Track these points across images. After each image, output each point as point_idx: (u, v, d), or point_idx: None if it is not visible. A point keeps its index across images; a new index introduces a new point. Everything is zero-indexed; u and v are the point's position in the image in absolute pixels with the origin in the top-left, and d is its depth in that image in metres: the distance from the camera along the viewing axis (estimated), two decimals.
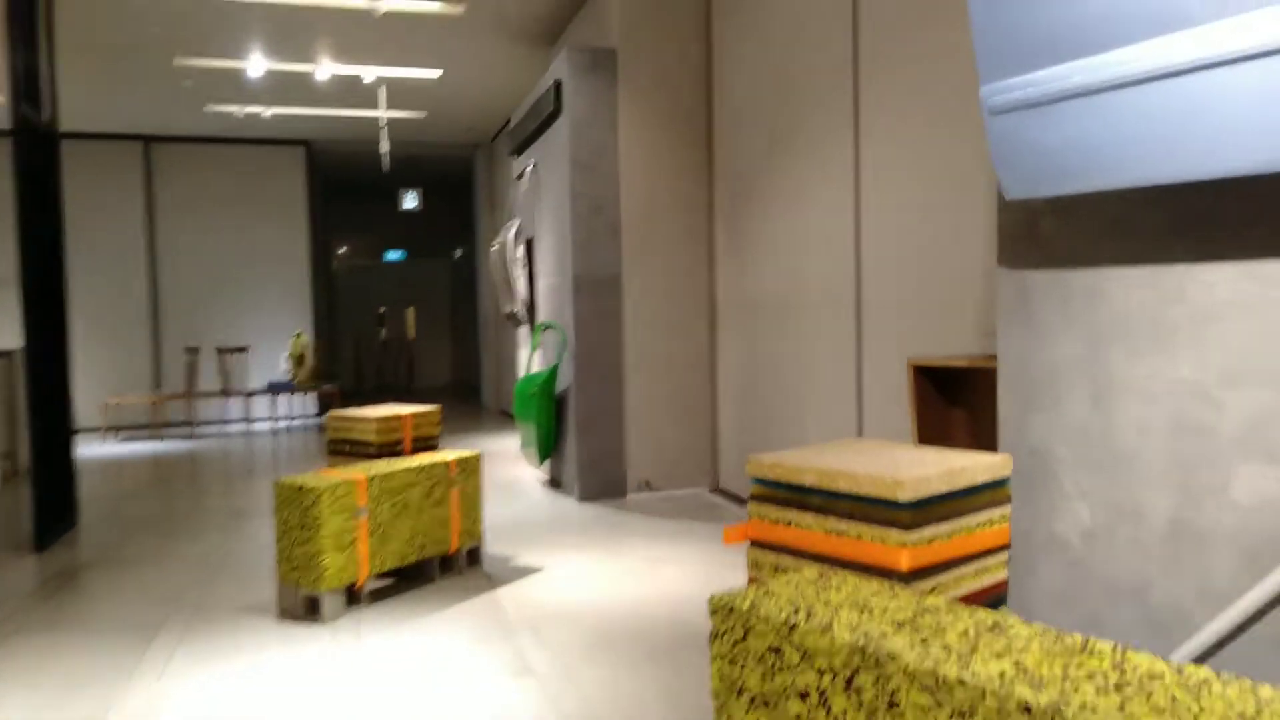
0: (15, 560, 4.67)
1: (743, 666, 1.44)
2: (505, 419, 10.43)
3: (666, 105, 5.80)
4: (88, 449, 8.78)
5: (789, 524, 1.90)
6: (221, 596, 3.95)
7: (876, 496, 1.72)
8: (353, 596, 3.71)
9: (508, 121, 9.79)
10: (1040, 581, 2.00)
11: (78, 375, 10.42)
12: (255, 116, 9.43)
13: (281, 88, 8.37)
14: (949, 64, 3.43)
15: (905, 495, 1.68)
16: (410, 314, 16.00)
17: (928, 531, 1.72)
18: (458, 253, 15.58)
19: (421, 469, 3.96)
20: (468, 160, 12.47)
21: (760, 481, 2.02)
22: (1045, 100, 1.58)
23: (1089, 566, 1.91)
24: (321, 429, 9.86)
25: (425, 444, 4.38)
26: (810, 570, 1.63)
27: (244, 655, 3.26)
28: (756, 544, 2.02)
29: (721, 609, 1.50)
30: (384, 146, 7.93)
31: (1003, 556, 1.93)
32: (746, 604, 1.46)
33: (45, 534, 4.88)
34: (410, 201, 11.91)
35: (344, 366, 15.38)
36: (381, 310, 15.80)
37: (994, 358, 2.62)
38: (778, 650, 1.39)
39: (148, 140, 10.44)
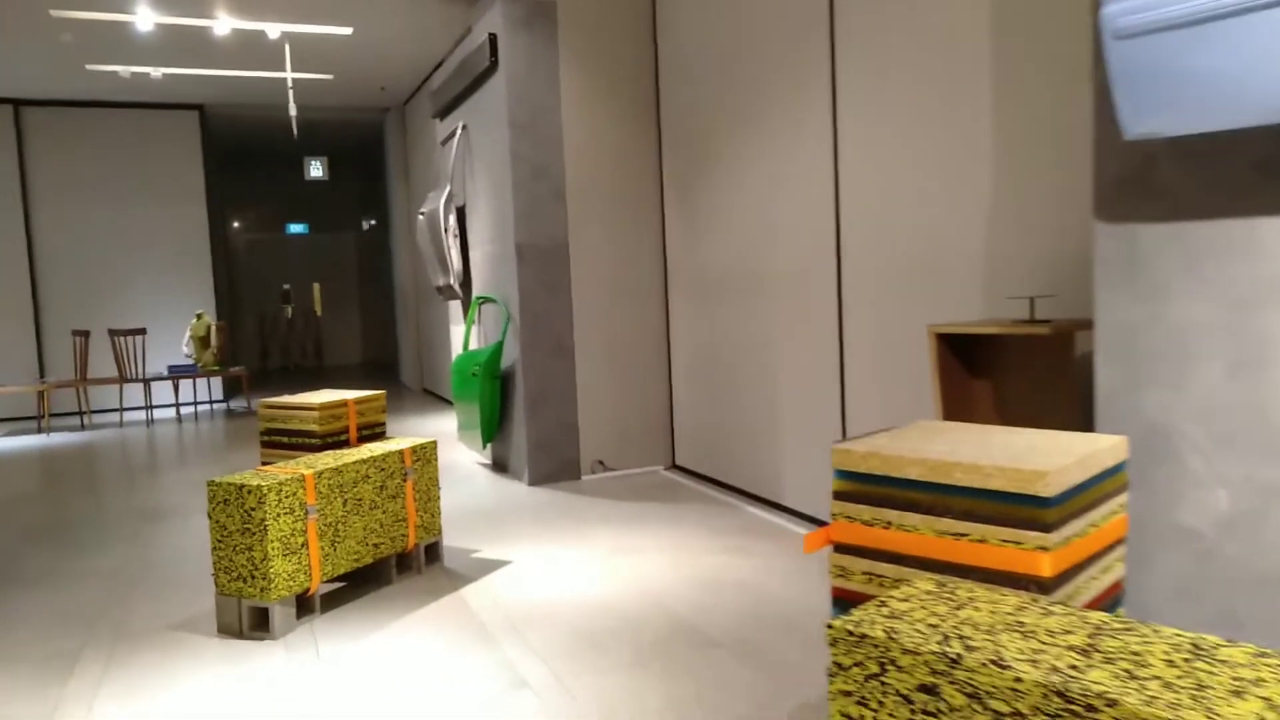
0: None
1: (878, 708, 1.19)
2: (430, 399, 9.97)
3: (610, 63, 5.46)
4: None
5: (887, 525, 1.65)
6: (146, 615, 3.50)
7: (1010, 491, 1.47)
8: (304, 605, 3.32)
9: (425, 82, 9.23)
10: (1158, 576, 1.82)
11: None
12: (143, 77, 8.61)
13: (173, 46, 7.64)
14: (942, 5, 3.22)
15: (1048, 488, 1.44)
16: (317, 290, 15.20)
17: (1067, 529, 1.50)
18: (366, 224, 14.85)
19: (373, 460, 3.58)
20: (377, 125, 11.80)
21: (847, 475, 1.75)
22: (1189, 20, 1.36)
23: (1225, 557, 1.73)
24: (229, 413, 9.20)
25: (371, 432, 3.98)
26: (924, 581, 1.39)
27: (185, 680, 2.85)
28: (843, 549, 1.76)
29: (847, 638, 1.23)
30: (292, 110, 7.33)
31: (1122, 551, 1.74)
32: (880, 631, 1.21)
33: None
34: (316, 170, 11.20)
35: (248, 347, 14.52)
36: (286, 287, 14.96)
37: (1024, 323, 2.44)
38: (932, 690, 1.14)
39: (18, 104, 9.45)
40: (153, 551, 4.36)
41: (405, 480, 3.73)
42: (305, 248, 15.15)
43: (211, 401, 10.35)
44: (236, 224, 14.55)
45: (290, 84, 7.80)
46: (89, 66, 8.10)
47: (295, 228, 15.10)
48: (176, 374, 8.92)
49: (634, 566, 3.79)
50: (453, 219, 6.21)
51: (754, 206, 4.56)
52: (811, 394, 4.19)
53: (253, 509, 3.13)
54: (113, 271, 9.93)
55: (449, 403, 9.37)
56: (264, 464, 3.93)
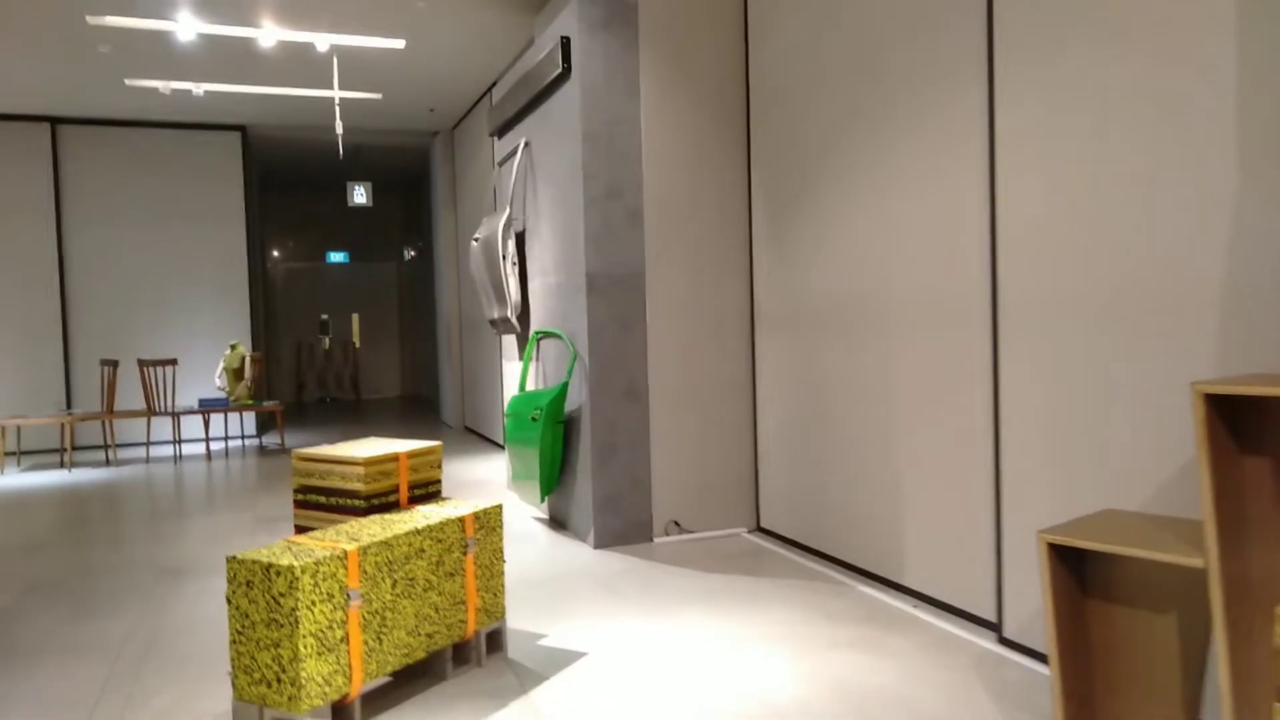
0: None
1: None
2: (473, 439, 9.35)
3: (695, 68, 4.85)
4: None
5: None
6: (150, 710, 2.85)
7: None
8: (341, 715, 2.66)
9: (475, 105, 8.74)
10: None
11: None
12: (184, 95, 8.20)
13: (215, 59, 7.19)
14: None
15: None
16: (356, 321, 14.73)
17: None
18: (408, 253, 14.39)
19: (429, 530, 2.93)
20: (424, 151, 11.34)
21: None
22: None
23: None
24: (261, 450, 8.64)
25: (424, 491, 3.34)
26: None
27: None
28: None
29: None
30: (338, 128, 6.82)
31: None
32: None
33: None
34: (359, 197, 10.74)
35: (284, 379, 14.05)
36: (324, 317, 14.51)
37: None
38: None
39: (55, 122, 9.09)
40: (167, 618, 3.74)
41: (466, 554, 3.08)
42: (345, 277, 14.72)
43: (243, 437, 9.81)
44: (276, 252, 14.17)
45: (337, 101, 7.31)
46: (128, 81, 7.68)
47: (335, 256, 14.69)
48: (207, 408, 8.39)
49: (746, 663, 3.09)
50: (511, 245, 5.61)
51: (870, 227, 3.90)
52: (948, 455, 3.49)
53: (282, 595, 2.48)
54: (145, 299, 9.48)
55: (494, 444, 8.74)
56: (297, 529, 3.30)
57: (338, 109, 7.21)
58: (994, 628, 3.31)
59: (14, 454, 8.83)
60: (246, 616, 2.55)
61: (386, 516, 3.05)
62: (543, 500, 5.10)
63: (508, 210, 5.62)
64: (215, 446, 9.21)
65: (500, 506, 3.24)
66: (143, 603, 4.01)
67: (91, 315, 9.30)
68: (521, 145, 5.64)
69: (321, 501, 3.22)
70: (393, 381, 15.00)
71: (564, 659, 3.19)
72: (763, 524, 4.96)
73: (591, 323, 4.69)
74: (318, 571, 2.53)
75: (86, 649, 3.44)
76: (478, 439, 9.26)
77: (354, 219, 14.51)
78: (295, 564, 2.47)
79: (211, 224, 9.68)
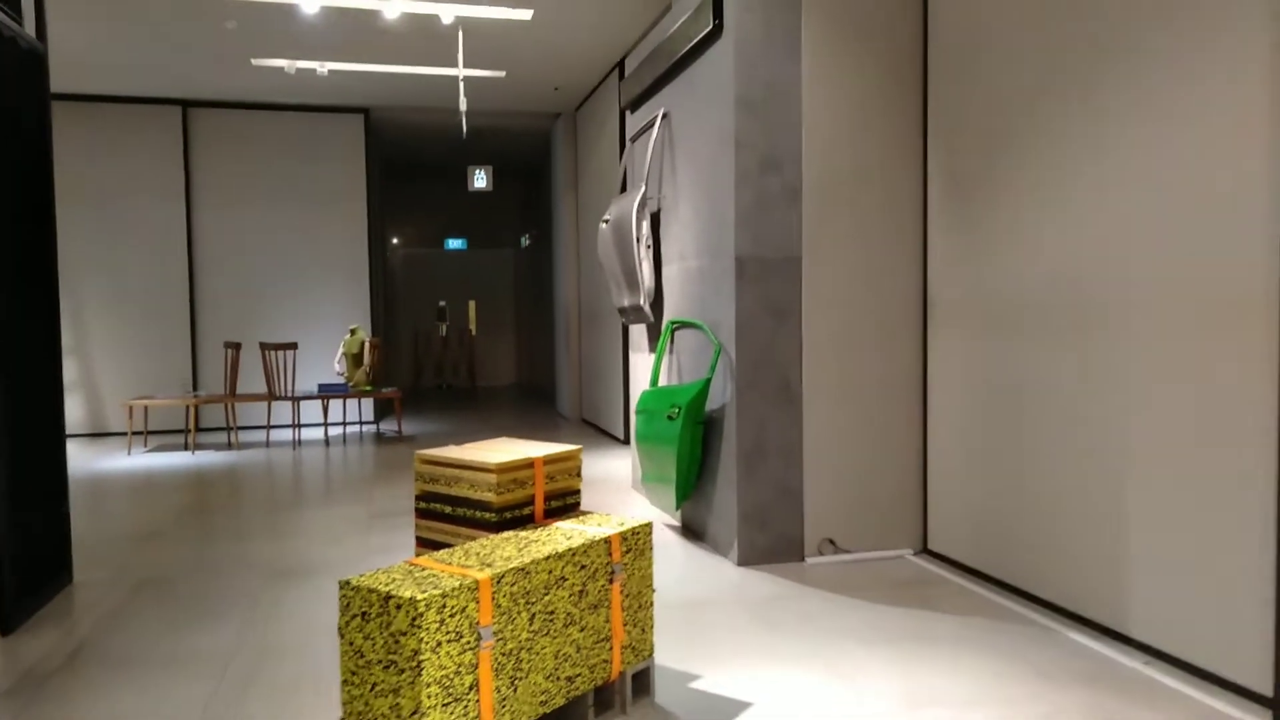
0: None
1: None
2: (591, 432, 8.95)
3: (867, 26, 4.24)
4: (107, 461, 7.46)
5: None
6: None
7: None
8: None
9: (602, 82, 8.29)
10: None
11: (101, 374, 9.20)
12: (309, 74, 8.04)
13: (339, 35, 6.96)
14: None
15: None
16: (472, 308, 14.61)
17: None
18: (525, 240, 14.15)
19: (572, 555, 2.46)
20: (544, 134, 11.01)
21: None
22: None
23: None
24: (379, 437, 8.46)
25: (562, 503, 2.88)
26: None
27: None
28: None
29: None
30: (462, 104, 6.48)
31: None
32: None
33: (16, 607, 3.48)
34: (480, 181, 10.48)
35: (402, 365, 14.04)
36: (441, 304, 14.43)
37: None
38: None
39: (186, 105, 9.12)
40: (276, 630, 3.40)
41: (612, 582, 2.59)
42: (462, 264, 14.61)
43: (361, 423, 9.70)
44: (394, 238, 14.15)
45: (461, 77, 6.97)
46: (255, 61, 7.56)
47: (453, 243, 14.59)
48: (327, 393, 8.25)
49: None
50: (646, 226, 5.12)
51: (1095, 203, 3.22)
52: (1205, 484, 2.80)
53: (402, 634, 2.05)
54: (268, 281, 9.45)
55: (613, 438, 8.31)
56: (419, 542, 2.89)
57: (462, 84, 6.87)
58: (1269, 704, 2.62)
59: (141, 434, 8.93)
60: (361, 655, 2.13)
61: (521, 534, 2.59)
62: (678, 507, 4.60)
63: (642, 188, 5.13)
64: (333, 432, 9.11)
65: (650, 526, 2.75)
66: (253, 608, 3.70)
67: (217, 297, 9.33)
68: (660, 117, 5.14)
69: (446, 512, 2.79)
70: (508, 370, 14.82)
71: (720, 711, 2.67)
72: (930, 546, 4.33)
73: (740, 312, 4.15)
74: (445, 606, 2.08)
75: (186, 661, 3.13)
76: (596, 432, 8.85)
77: (472, 205, 14.37)
78: (419, 597, 2.03)
79: (334, 208, 9.57)
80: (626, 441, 7.93)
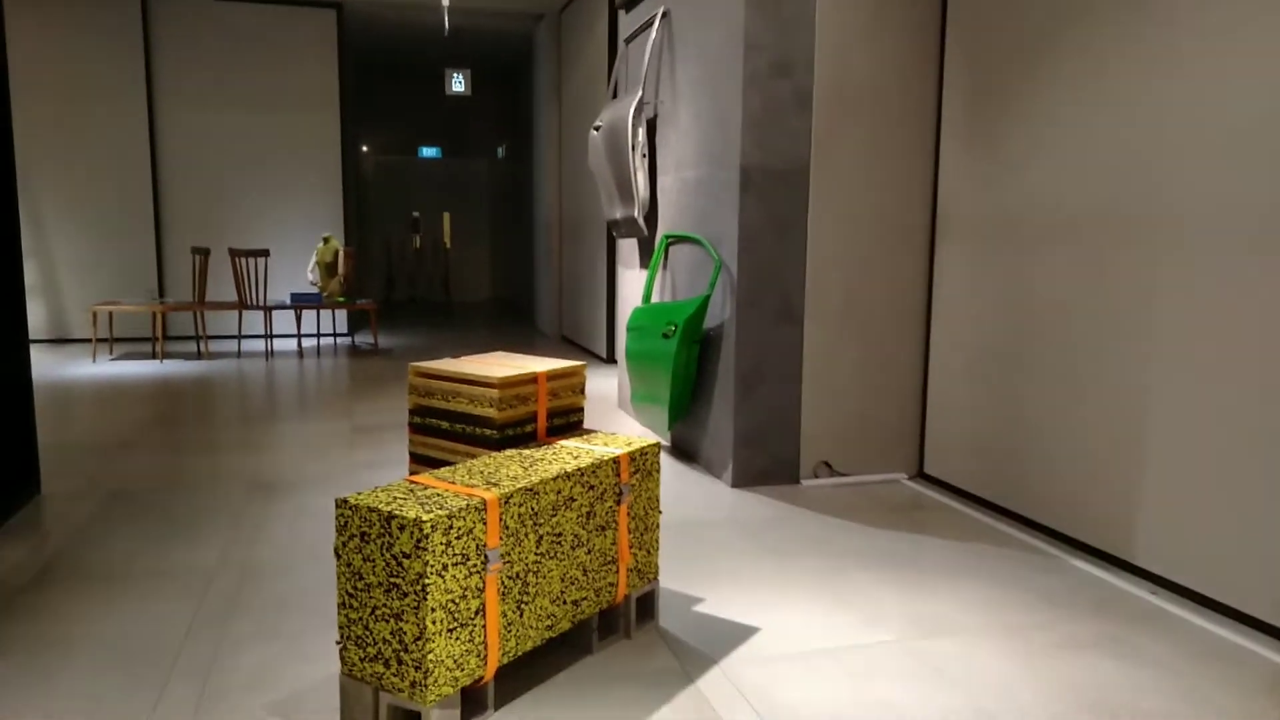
0: None
1: None
2: (572, 349, 8.80)
3: None
4: (72, 368, 7.20)
5: None
6: (241, 673, 2.36)
7: None
8: (472, 701, 2.11)
9: None
10: None
11: (63, 278, 8.85)
12: None
13: None
14: None
15: None
16: (447, 220, 14.23)
17: None
18: (500, 150, 13.71)
19: (580, 475, 2.33)
20: (524, 37, 10.53)
21: None
22: None
23: None
24: (354, 349, 8.25)
25: (565, 421, 2.74)
26: None
27: None
28: None
29: None
30: None
31: None
32: None
33: None
34: (458, 85, 10.04)
35: (374, 276, 13.71)
36: (415, 214, 14.03)
37: None
38: None
39: None
40: (261, 545, 3.27)
41: (620, 503, 2.47)
42: (436, 173, 14.16)
43: (335, 335, 9.46)
44: (365, 146, 13.64)
45: None
46: None
47: (427, 151, 14.11)
48: (300, 303, 7.98)
49: (960, 664, 2.45)
50: (642, 133, 4.88)
51: (1128, 119, 3.05)
52: (1236, 416, 2.72)
53: (406, 556, 1.91)
54: (237, 184, 9.06)
55: (595, 356, 8.17)
56: (413, 459, 2.74)
57: None
58: None
59: (106, 340, 8.63)
60: (360, 577, 2.00)
61: (525, 452, 2.46)
62: (670, 428, 4.49)
63: (639, 92, 4.87)
64: (307, 343, 8.87)
65: (658, 446, 2.62)
66: (234, 523, 3.56)
67: (183, 200, 8.93)
68: (659, 15, 4.84)
69: (444, 428, 2.64)
70: (483, 284, 14.54)
71: (726, 636, 2.60)
72: (926, 470, 4.27)
73: (743, 226, 3.97)
74: (451, 527, 1.95)
75: (168, 577, 2.99)
76: (577, 350, 8.70)
77: (447, 113, 13.85)
78: (424, 517, 1.89)
79: (305, 109, 9.13)
80: (610, 360, 7.79)
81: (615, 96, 5.58)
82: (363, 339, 9.32)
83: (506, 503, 2.10)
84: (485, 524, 2.04)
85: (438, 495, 2.06)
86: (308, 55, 9.08)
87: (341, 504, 2.01)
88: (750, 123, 3.91)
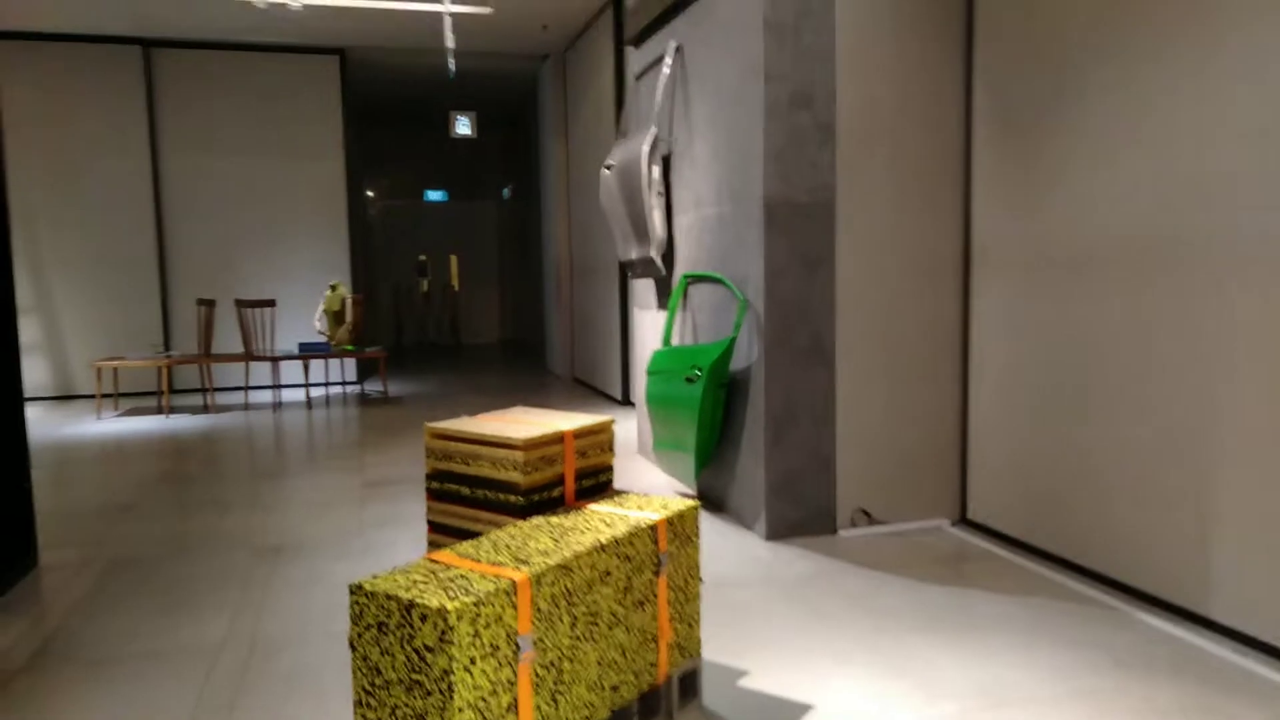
0: None
1: None
2: (585, 392, 8.61)
3: None
4: (75, 426, 7.03)
5: None
6: None
7: None
8: None
9: (600, 15, 7.79)
10: None
11: (66, 333, 8.70)
12: (281, 9, 7.48)
13: None
14: None
15: None
16: (454, 262, 14.13)
17: None
18: (506, 192, 13.65)
19: (616, 545, 2.12)
20: (529, 78, 10.48)
21: None
22: None
23: None
24: (363, 398, 8.07)
25: (594, 482, 2.54)
26: None
27: None
28: None
29: None
30: (449, 40, 6.00)
31: None
32: None
33: None
34: (463, 127, 9.97)
35: (383, 322, 13.59)
36: (422, 258, 13.94)
37: None
38: None
39: (147, 45, 8.52)
40: (268, 618, 3.06)
41: (658, 574, 2.27)
42: (443, 216, 14.09)
43: (344, 383, 9.29)
44: (371, 190, 13.59)
45: (447, 13, 6.47)
46: None
47: (433, 194, 14.05)
48: (308, 353, 7.83)
49: None
50: (657, 171, 4.72)
51: (1181, 140, 2.88)
52: None
53: (429, 650, 1.71)
54: (242, 234, 8.95)
55: (609, 398, 7.98)
56: (432, 527, 2.54)
57: (448, 18, 6.37)
58: None
59: (111, 396, 8.48)
60: (378, 672, 1.79)
61: (554, 520, 2.25)
62: (697, 477, 4.29)
63: (653, 129, 4.72)
64: (315, 393, 8.70)
65: (697, 508, 2.42)
66: (241, 592, 3.35)
67: (188, 252, 8.83)
68: (671, 50, 4.71)
69: (464, 494, 2.44)
70: (492, 326, 14.41)
71: (776, 715, 2.37)
72: (969, 515, 4.05)
73: (769, 263, 3.79)
74: (479, 615, 1.74)
75: (172, 659, 2.78)
76: (590, 392, 8.51)
77: (452, 156, 13.82)
78: (449, 606, 1.69)
79: (309, 156, 9.05)
80: (624, 402, 7.60)
81: (626, 135, 5.44)
82: (372, 387, 9.15)
83: (539, 583, 1.89)
84: (516, 608, 1.83)
85: (462, 577, 1.85)
86: (312, 101, 9.02)
87: (356, 590, 1.80)
88: (772, 156, 3.75)
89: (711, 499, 4.46)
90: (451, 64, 6.46)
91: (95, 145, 8.48)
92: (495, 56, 9.36)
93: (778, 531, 3.88)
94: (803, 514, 3.90)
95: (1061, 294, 3.42)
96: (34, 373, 8.50)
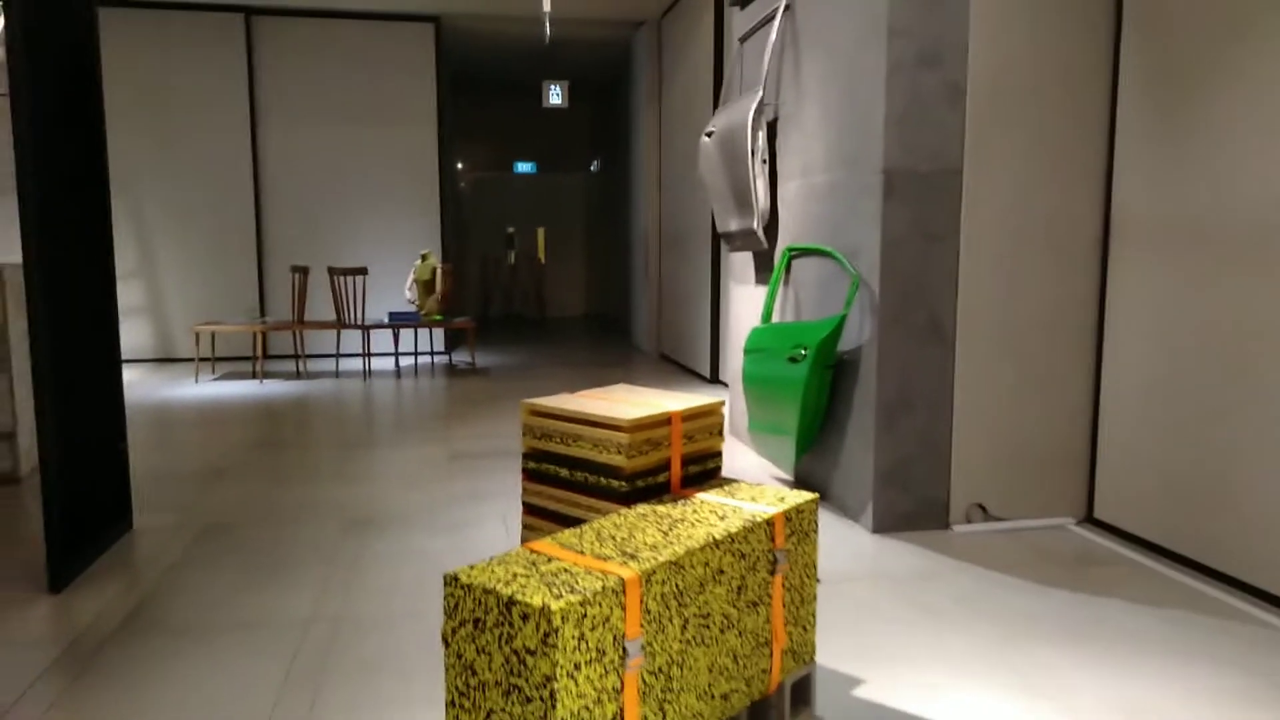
0: (7, 612, 2.90)
1: None
2: (671, 368, 8.42)
3: None
4: (175, 389, 7.18)
5: None
6: None
7: None
8: None
9: None
10: None
11: (168, 298, 8.92)
12: None
13: None
14: None
15: None
16: (541, 235, 14.07)
17: None
18: (594, 164, 13.48)
19: (730, 541, 1.93)
20: (622, 46, 10.25)
21: None
22: None
23: None
24: (451, 369, 8.04)
25: (701, 469, 2.34)
26: None
27: None
28: None
29: None
30: (546, 4, 5.81)
31: None
32: None
33: (67, 561, 3.10)
34: (555, 97, 9.81)
35: (471, 293, 13.64)
36: (510, 230, 13.92)
37: None
38: None
39: (249, 12, 8.59)
40: (355, 595, 2.97)
41: (774, 573, 2.06)
42: (531, 188, 14.02)
43: (433, 353, 9.31)
44: (461, 161, 13.60)
45: None
46: None
47: (522, 166, 13.99)
48: (398, 322, 7.83)
49: None
50: (762, 137, 4.46)
51: None
52: None
53: (531, 652, 1.54)
54: (336, 202, 9.01)
55: (697, 375, 7.77)
56: (527, 509, 2.38)
57: None
58: None
59: (209, 360, 8.66)
60: (473, 672, 1.64)
61: (660, 510, 2.06)
62: (797, 461, 4.06)
63: (759, 93, 4.46)
64: (404, 362, 8.73)
65: (816, 502, 2.19)
66: (328, 566, 3.28)
67: (283, 218, 8.92)
68: (781, 8, 4.43)
69: (563, 476, 2.27)
70: (578, 300, 14.32)
71: None
72: (1096, 514, 3.71)
73: (886, 235, 3.51)
74: (585, 617, 1.57)
75: (259, 631, 2.71)
76: (677, 369, 8.32)
77: (542, 127, 13.71)
78: (553, 606, 1.51)
79: (403, 125, 9.03)
80: (713, 380, 7.38)
81: (727, 100, 5.19)
82: (460, 358, 9.14)
83: (648, 581, 1.71)
84: (624, 609, 1.65)
85: (565, 571, 1.68)
86: (406, 70, 8.98)
87: (451, 582, 1.65)
88: (894, 120, 3.46)
89: (811, 485, 4.22)
90: (548, 28, 6.26)
91: (196, 112, 8.62)
92: (589, 24, 9.15)
93: (885, 524, 3.63)
94: (913, 506, 3.63)
95: (1216, 276, 3.06)
96: (137, 335, 8.74)
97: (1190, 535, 3.22)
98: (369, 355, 8.18)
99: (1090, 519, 3.76)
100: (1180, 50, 3.21)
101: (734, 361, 5.47)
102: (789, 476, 4.44)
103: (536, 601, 1.54)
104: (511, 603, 1.56)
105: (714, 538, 1.88)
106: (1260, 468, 2.92)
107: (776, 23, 4.46)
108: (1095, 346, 3.70)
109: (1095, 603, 2.93)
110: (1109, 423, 3.62)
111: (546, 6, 5.89)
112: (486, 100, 13.50)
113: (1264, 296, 2.89)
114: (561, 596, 1.56)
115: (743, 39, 5.11)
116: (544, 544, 1.84)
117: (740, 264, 5.29)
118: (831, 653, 2.56)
